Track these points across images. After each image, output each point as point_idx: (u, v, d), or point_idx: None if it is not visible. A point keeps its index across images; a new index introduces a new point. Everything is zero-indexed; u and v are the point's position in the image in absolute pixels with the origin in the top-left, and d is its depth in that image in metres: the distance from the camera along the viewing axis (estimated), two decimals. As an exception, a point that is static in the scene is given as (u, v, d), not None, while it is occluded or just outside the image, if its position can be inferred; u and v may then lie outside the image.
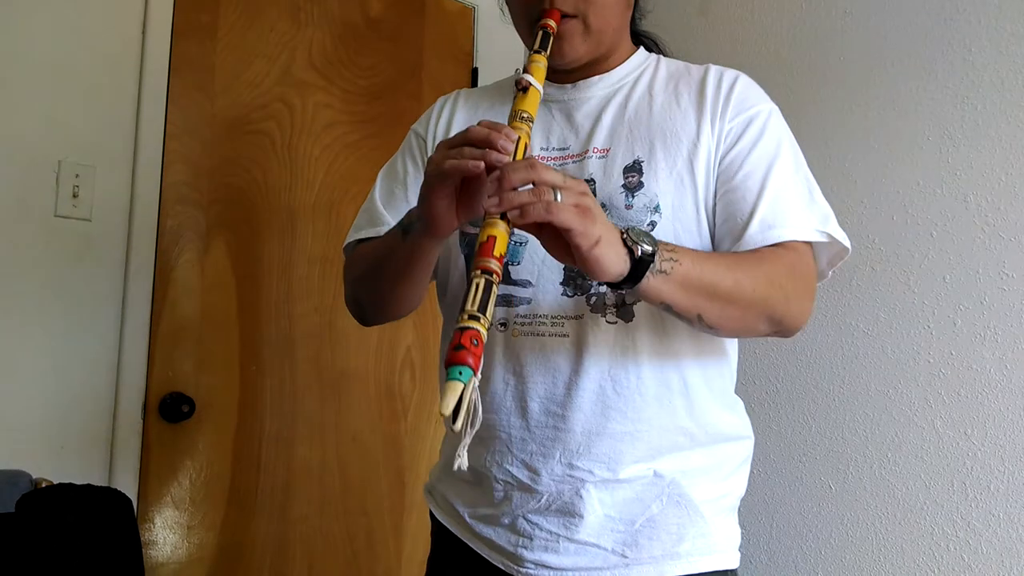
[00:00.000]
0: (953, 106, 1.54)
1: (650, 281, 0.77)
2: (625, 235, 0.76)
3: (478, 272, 0.68)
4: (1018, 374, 1.41)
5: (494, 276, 0.69)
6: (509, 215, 0.72)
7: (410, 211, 0.90)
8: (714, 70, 0.98)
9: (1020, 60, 1.46)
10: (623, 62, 1.02)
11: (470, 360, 0.62)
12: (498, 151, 0.75)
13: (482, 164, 0.75)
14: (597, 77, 1.00)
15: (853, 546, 1.59)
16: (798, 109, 1.74)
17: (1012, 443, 1.41)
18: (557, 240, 0.74)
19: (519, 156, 0.77)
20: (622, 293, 0.89)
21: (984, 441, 1.44)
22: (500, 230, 0.71)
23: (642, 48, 1.06)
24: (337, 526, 1.88)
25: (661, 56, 1.06)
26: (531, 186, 0.72)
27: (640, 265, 0.76)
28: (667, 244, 0.80)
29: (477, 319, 0.65)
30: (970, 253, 1.49)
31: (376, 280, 0.97)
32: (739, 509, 0.98)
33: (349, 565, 1.89)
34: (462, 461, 0.70)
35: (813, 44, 1.78)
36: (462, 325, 0.65)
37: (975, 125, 1.51)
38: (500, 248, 0.70)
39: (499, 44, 2.21)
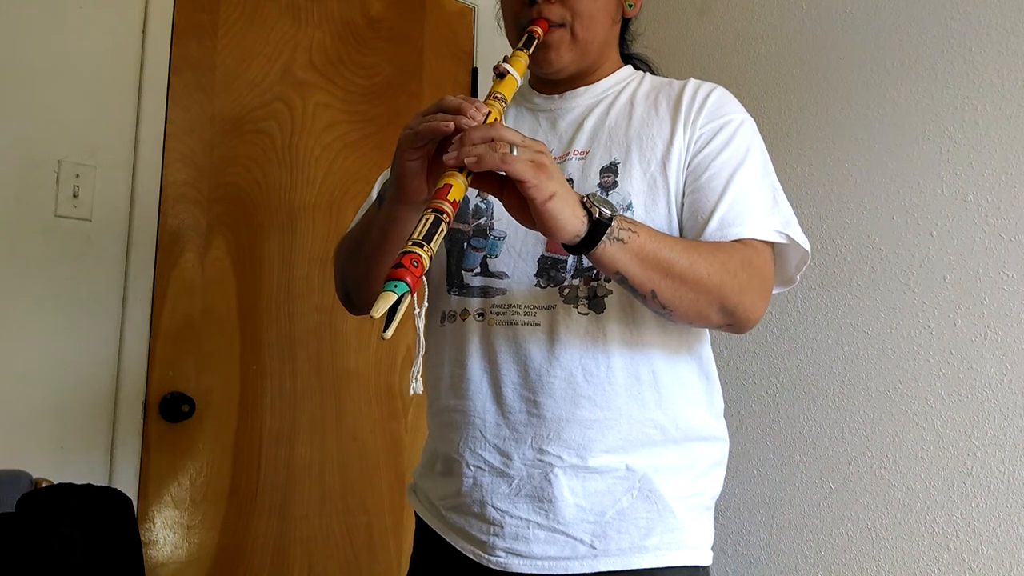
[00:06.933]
0: (953, 106, 1.54)
1: (606, 247, 0.80)
2: (586, 199, 0.80)
3: (429, 210, 0.73)
4: (1018, 374, 1.41)
5: (444, 215, 0.73)
6: (466, 162, 0.76)
7: (385, 181, 0.93)
8: (693, 82, 1.02)
9: (1020, 60, 1.46)
10: (608, 75, 1.06)
11: (408, 278, 0.66)
12: (467, 118, 0.80)
13: (452, 125, 0.79)
14: (583, 88, 1.05)
15: (853, 546, 1.59)
16: (798, 109, 1.74)
17: (1012, 443, 1.41)
18: (518, 200, 0.78)
19: None
20: (594, 286, 0.93)
21: (984, 441, 1.44)
22: (457, 180, 0.76)
23: (630, 66, 1.10)
24: (337, 525, 1.88)
25: (647, 73, 1.10)
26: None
27: (597, 228, 0.79)
28: (627, 217, 0.83)
29: (421, 246, 0.69)
30: (970, 253, 1.49)
31: (358, 255, 1.00)
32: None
33: (349, 564, 1.89)
34: (416, 386, 0.77)
35: (813, 44, 1.78)
36: (405, 249, 0.69)
37: (975, 125, 1.51)
38: (455, 195, 0.75)
39: (499, 44, 2.21)
